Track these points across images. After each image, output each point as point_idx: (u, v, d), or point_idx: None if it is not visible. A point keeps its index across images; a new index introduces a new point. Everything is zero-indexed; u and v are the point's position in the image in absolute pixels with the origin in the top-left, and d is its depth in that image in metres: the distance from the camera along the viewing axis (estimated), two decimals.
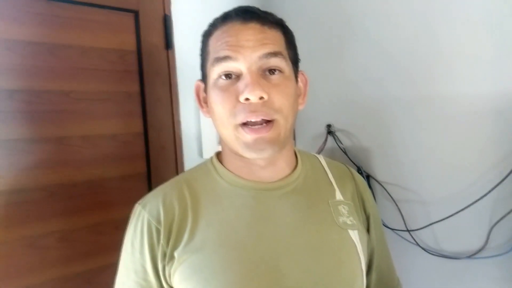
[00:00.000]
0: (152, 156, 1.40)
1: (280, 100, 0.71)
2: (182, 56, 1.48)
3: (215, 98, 0.73)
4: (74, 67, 1.23)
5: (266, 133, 0.70)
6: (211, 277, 0.70)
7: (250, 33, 0.71)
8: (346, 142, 1.54)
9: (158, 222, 0.74)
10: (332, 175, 0.87)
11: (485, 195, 1.19)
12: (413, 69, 1.34)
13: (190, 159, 1.49)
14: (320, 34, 1.59)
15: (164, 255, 0.73)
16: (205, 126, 1.50)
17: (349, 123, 1.53)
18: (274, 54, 0.71)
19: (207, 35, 0.78)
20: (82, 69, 1.25)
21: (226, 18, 0.75)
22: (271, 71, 0.72)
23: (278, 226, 0.74)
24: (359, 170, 1.47)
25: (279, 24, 0.77)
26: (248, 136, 0.70)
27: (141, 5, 1.38)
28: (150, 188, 1.38)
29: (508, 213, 1.16)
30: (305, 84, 0.84)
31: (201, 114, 1.51)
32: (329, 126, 1.58)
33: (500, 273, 1.20)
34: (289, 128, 0.76)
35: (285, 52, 0.74)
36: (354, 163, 1.49)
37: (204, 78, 0.79)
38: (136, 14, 1.38)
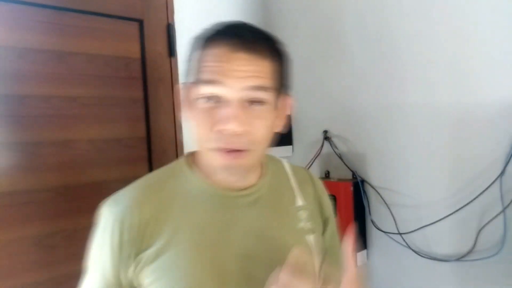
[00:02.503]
0: (154, 159, 1.45)
1: (259, 132, 0.73)
2: (184, 63, 1.53)
3: (195, 116, 0.74)
4: (81, 73, 1.29)
5: (236, 160, 0.72)
6: (181, 277, 0.73)
7: (238, 63, 0.70)
8: (342, 147, 1.59)
9: (123, 224, 0.74)
10: (295, 179, 0.90)
11: (474, 200, 1.25)
12: (406, 77, 1.39)
13: None
14: (317, 44, 1.65)
15: (128, 256, 0.74)
16: None
17: (345, 129, 1.59)
18: (259, 88, 0.71)
19: (196, 47, 0.77)
20: (89, 75, 1.31)
21: (218, 38, 0.73)
22: (254, 101, 0.72)
23: (242, 232, 0.78)
24: (354, 175, 1.53)
25: (271, 52, 0.75)
26: (221, 160, 0.72)
27: (146, 15, 1.44)
28: None
29: (495, 217, 1.21)
30: (288, 108, 0.84)
31: None
32: (325, 132, 1.63)
33: (487, 275, 1.25)
34: (262, 154, 0.78)
35: (271, 84, 0.74)
36: (349, 168, 1.55)
37: (189, 83, 0.78)
38: (140, 23, 1.43)
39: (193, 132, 0.76)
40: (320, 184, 0.95)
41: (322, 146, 1.63)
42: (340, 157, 1.58)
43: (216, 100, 0.71)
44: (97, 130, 1.32)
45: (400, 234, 1.42)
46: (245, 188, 0.81)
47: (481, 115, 1.24)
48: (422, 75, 1.35)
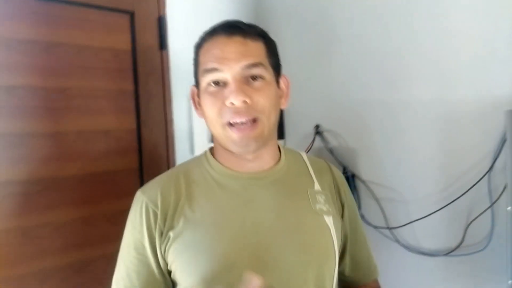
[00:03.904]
0: (144, 152, 1.45)
1: (262, 101, 0.81)
2: (175, 56, 1.53)
3: (206, 102, 0.84)
4: (69, 65, 1.28)
5: (251, 132, 0.81)
6: (200, 252, 0.81)
7: (234, 45, 0.81)
8: (333, 142, 1.59)
9: (156, 205, 0.84)
10: (312, 168, 0.97)
11: (462, 195, 1.25)
12: (397, 73, 1.39)
13: (181, 156, 1.54)
14: (309, 38, 1.64)
15: (161, 234, 0.83)
16: (196, 124, 1.55)
17: (337, 124, 1.58)
18: (255, 64, 0.81)
19: (198, 47, 0.88)
20: (78, 67, 1.29)
21: (213, 32, 0.85)
22: (253, 77, 0.82)
23: (261, 210, 0.85)
24: (345, 170, 1.53)
25: (261, 36, 0.86)
26: (234, 135, 0.81)
27: (137, 6, 1.43)
28: (142, 183, 1.43)
29: (483, 212, 1.22)
30: (287, 86, 0.94)
31: (193, 113, 1.56)
32: (317, 126, 1.63)
33: (474, 270, 1.26)
34: (272, 126, 0.86)
35: (265, 61, 0.84)
36: (340, 163, 1.54)
37: (197, 84, 0.90)
38: (131, 15, 1.42)
39: (206, 119, 0.87)
40: (339, 174, 1.03)
41: (313, 140, 1.63)
42: (331, 151, 1.58)
43: (221, 84, 0.82)
44: (86, 122, 1.31)
45: (389, 228, 1.42)
46: (263, 171, 0.89)
47: (469, 111, 1.24)
48: (411, 72, 1.35)
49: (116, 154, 1.38)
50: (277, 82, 0.89)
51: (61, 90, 1.26)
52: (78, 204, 1.30)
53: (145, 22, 1.45)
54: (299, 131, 1.71)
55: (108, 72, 1.36)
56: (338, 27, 1.55)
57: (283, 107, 0.91)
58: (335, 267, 0.87)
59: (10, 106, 1.17)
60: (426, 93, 1.33)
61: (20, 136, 1.19)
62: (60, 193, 1.26)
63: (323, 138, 1.61)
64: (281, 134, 1.77)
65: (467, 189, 1.24)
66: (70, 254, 1.27)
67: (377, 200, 1.46)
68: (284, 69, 1.81)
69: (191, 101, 0.93)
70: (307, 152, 1.64)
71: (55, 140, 1.25)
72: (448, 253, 1.30)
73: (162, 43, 1.49)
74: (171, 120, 1.52)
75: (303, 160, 0.99)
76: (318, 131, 1.62)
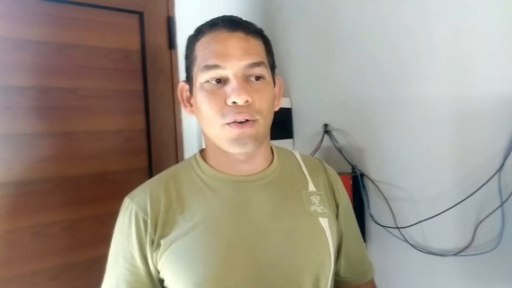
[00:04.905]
0: (153, 151, 1.46)
1: (261, 103, 0.79)
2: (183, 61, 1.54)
3: (203, 99, 0.79)
4: (80, 65, 1.30)
5: (249, 129, 0.77)
6: (194, 260, 0.78)
7: (236, 41, 0.78)
8: (342, 141, 1.59)
9: (145, 213, 0.81)
10: (306, 168, 0.95)
11: (472, 194, 1.24)
12: (406, 71, 1.38)
13: (190, 155, 1.55)
14: (318, 37, 1.64)
15: (152, 242, 0.80)
16: None
17: (345, 123, 1.58)
18: (258, 64, 0.79)
19: (193, 40, 0.84)
20: (88, 67, 1.31)
21: (213, 25, 0.81)
22: (255, 77, 0.79)
23: (255, 214, 0.83)
24: (353, 169, 1.52)
25: (260, 34, 0.84)
26: (234, 131, 0.77)
27: (146, 7, 1.45)
28: None
29: (493, 212, 1.20)
30: (280, 88, 0.92)
31: None
32: (326, 125, 1.63)
33: (484, 271, 1.24)
34: (267, 127, 0.84)
35: (266, 60, 0.82)
36: (349, 162, 1.54)
37: (189, 79, 0.86)
38: (140, 15, 1.44)
39: (200, 117, 0.82)
40: (333, 172, 1.00)
41: (322, 139, 1.63)
42: (340, 150, 1.58)
43: (222, 81, 0.78)
44: (96, 122, 1.33)
45: (398, 228, 1.41)
46: (256, 173, 0.87)
47: (480, 110, 1.23)
48: (421, 69, 1.34)
49: (125, 153, 1.39)
50: (274, 82, 0.87)
51: (72, 90, 1.28)
52: (88, 203, 1.31)
53: (154, 23, 1.47)
54: (307, 130, 1.71)
55: (118, 72, 1.38)
56: (347, 24, 1.54)
57: (276, 109, 0.89)
58: (330, 270, 0.85)
59: (22, 107, 1.19)
60: (436, 91, 1.32)
61: (31, 136, 1.21)
62: (71, 192, 1.28)
63: (331, 137, 1.61)
64: (289, 133, 1.78)
65: (477, 188, 1.23)
66: (81, 252, 1.29)
67: (386, 199, 1.45)
68: (293, 68, 1.81)
69: (179, 98, 0.90)
70: (315, 152, 1.64)
71: (66, 140, 1.27)
72: (458, 253, 1.29)
73: (171, 43, 1.51)
74: (180, 120, 1.53)
75: (297, 159, 0.97)
76: (326, 130, 1.62)
